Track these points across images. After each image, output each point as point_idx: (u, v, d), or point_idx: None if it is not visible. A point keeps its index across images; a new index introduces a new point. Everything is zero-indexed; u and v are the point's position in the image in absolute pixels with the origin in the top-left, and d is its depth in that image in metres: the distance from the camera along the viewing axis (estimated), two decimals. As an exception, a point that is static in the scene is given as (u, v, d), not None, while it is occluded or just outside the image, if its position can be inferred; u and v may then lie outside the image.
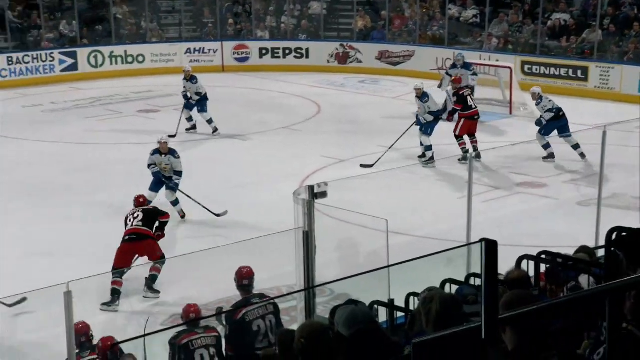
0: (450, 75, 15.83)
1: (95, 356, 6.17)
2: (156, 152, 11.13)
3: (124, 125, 16.07)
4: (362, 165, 12.79)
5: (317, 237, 6.07)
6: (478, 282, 5.72)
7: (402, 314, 5.71)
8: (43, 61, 20.26)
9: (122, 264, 8.41)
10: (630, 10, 18.43)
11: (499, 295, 2.71)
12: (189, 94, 15.09)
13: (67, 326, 4.68)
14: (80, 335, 6.27)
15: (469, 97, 13.57)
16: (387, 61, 21.16)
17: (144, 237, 8.67)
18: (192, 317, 6.45)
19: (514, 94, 16.65)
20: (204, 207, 10.72)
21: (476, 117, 13.49)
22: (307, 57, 21.90)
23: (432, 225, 10.40)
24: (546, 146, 13.09)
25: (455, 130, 13.27)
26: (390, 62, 21.11)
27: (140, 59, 21.39)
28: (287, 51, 21.99)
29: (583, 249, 6.07)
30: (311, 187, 6.07)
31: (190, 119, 15.27)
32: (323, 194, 6.08)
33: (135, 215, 8.95)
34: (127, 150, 14.37)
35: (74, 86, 19.78)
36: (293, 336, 3.93)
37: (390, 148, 13.21)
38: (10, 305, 7.60)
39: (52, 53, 20.38)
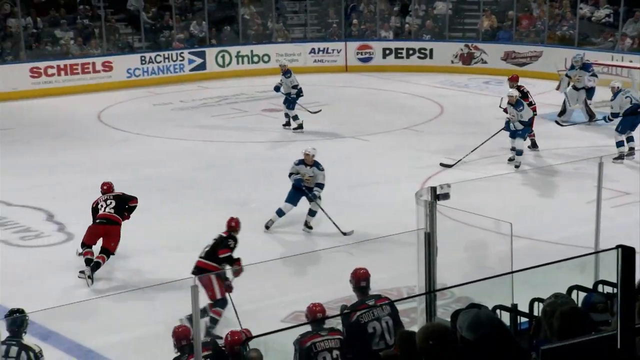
0: (570, 77, 15.41)
1: (208, 352, 6.11)
2: (300, 162, 10.85)
3: (249, 124, 16.39)
4: (442, 165, 12.83)
5: (439, 239, 6.01)
6: (607, 289, 5.52)
7: (526, 319, 5.57)
8: (173, 61, 20.92)
9: (90, 241, 9.44)
10: None
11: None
12: (282, 90, 15.40)
13: (193, 320, 4.80)
14: (181, 338, 6.28)
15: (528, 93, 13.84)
16: (513, 62, 20.74)
17: (113, 222, 9.54)
18: (318, 317, 6.35)
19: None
20: (334, 223, 10.54)
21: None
22: (431, 57, 21.73)
23: (557, 230, 10.12)
24: (619, 144, 12.87)
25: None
26: (516, 62, 20.69)
27: (266, 58, 21.77)
28: (411, 51, 21.88)
29: None
30: (433, 189, 6.01)
31: (295, 117, 15.52)
32: (445, 196, 6.01)
33: (108, 202, 9.70)
34: (251, 148, 14.67)
35: (202, 85, 20.33)
36: (414, 338, 3.90)
37: (473, 151, 12.92)
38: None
39: (182, 53, 21.02)
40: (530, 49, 20.57)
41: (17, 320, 5.99)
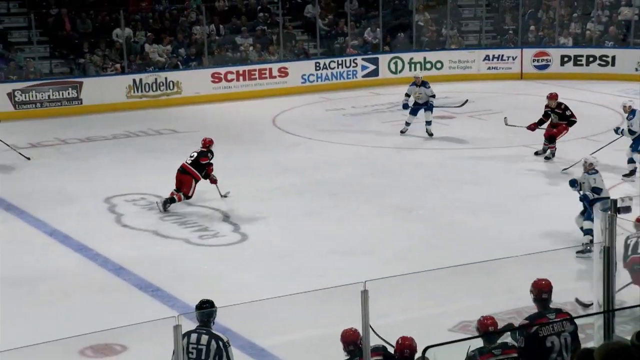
0: None
1: (378, 357, 6.07)
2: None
3: (419, 131, 16.33)
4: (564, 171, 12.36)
5: (618, 254, 5.76)
6: None
7: None
8: (347, 67, 21.20)
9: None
10: None
11: None
12: (419, 100, 15.54)
13: (363, 324, 4.83)
14: (349, 342, 6.23)
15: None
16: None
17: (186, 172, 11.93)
18: (490, 329, 6.17)
19: None
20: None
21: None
22: (613, 65, 20.83)
23: None
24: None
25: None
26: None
27: (439, 65, 21.63)
28: (591, 59, 21.08)
29: None
30: (614, 201, 5.77)
31: (429, 122, 15.65)
32: (627, 209, 5.76)
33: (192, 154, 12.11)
34: (422, 154, 14.64)
35: (374, 91, 20.48)
36: (593, 356, 3.73)
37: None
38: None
39: (355, 59, 21.26)
40: None
41: (207, 311, 6.27)
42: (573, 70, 21.06)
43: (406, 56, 21.55)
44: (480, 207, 11.64)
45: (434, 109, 15.66)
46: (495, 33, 22.77)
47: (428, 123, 15.58)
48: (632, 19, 21.12)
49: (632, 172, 13.04)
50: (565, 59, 21.26)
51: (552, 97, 14.18)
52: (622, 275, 6.90)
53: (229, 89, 20.14)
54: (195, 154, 12.07)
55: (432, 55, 21.65)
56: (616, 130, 13.36)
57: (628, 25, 21.21)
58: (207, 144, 12.18)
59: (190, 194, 11.95)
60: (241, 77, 20.31)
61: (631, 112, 13.31)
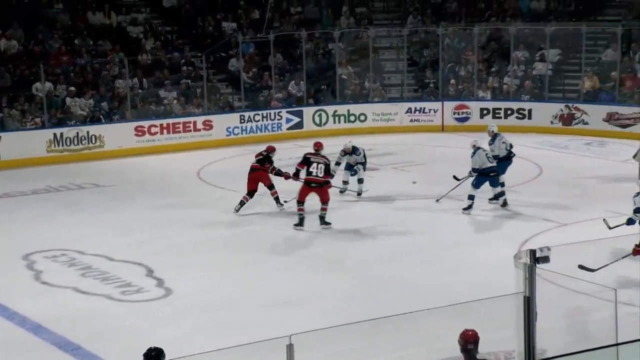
0: None
1: None
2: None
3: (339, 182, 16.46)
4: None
5: (538, 303, 5.86)
6: None
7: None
8: (272, 119, 21.31)
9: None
10: None
11: None
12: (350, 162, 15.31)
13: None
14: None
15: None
16: (616, 123, 20.28)
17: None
18: None
19: None
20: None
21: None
22: (530, 117, 21.46)
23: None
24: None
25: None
26: (619, 124, 20.21)
27: (362, 117, 21.94)
28: (509, 111, 21.68)
29: None
30: (533, 251, 5.90)
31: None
32: (545, 259, 5.88)
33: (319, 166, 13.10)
34: (350, 206, 14.72)
35: (298, 143, 20.54)
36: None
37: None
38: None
39: (280, 112, 21.40)
40: (634, 110, 20.08)
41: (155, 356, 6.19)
42: (491, 123, 21.56)
43: (330, 109, 21.81)
44: (408, 258, 11.76)
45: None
46: (416, 86, 23.26)
47: (360, 181, 15.23)
48: (545, 74, 21.87)
49: (498, 196, 14.08)
50: (485, 111, 21.81)
51: None
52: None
53: (152, 142, 20.00)
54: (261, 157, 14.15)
55: (356, 108, 21.96)
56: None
57: (542, 80, 21.95)
58: (269, 150, 14.30)
59: (270, 183, 14.07)
60: (165, 130, 20.20)
61: (492, 138, 14.53)
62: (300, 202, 13.19)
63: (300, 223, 13.16)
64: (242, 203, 14.03)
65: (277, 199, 14.18)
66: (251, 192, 14.08)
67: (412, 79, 23.34)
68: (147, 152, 19.60)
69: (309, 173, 13.18)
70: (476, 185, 13.93)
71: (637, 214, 10.78)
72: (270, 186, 14.15)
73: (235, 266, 11.61)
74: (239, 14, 23.83)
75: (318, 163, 13.20)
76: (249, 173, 14.13)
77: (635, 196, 10.95)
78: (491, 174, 13.91)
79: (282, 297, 10.33)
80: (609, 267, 9.76)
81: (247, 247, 12.50)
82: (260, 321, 9.43)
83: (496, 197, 14.15)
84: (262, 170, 14.11)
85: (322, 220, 13.18)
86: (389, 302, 9.84)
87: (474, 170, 13.90)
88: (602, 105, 20.65)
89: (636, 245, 10.47)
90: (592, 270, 9.23)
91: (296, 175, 13.63)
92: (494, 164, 14.00)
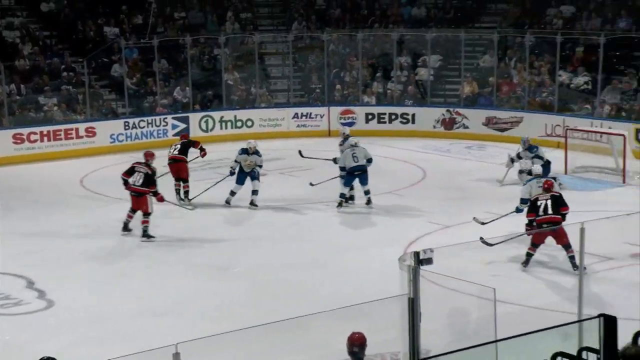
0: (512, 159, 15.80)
1: None
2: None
3: (229, 188, 16.39)
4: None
5: (422, 304, 5.99)
6: (592, 356, 5.49)
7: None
8: (157, 126, 21.00)
9: None
10: None
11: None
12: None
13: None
14: None
15: None
16: (494, 127, 20.98)
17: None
18: None
19: (627, 163, 16.17)
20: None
21: None
22: (413, 122, 21.94)
23: (543, 296, 10.10)
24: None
25: None
26: (497, 128, 20.92)
27: (249, 123, 21.91)
28: (393, 116, 22.10)
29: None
30: (416, 254, 6.03)
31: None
32: (428, 261, 6.02)
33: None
34: (237, 212, 14.65)
35: (185, 150, 20.34)
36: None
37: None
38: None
39: (165, 118, 21.12)
40: (511, 114, 20.82)
41: None
42: (377, 127, 21.98)
43: (217, 114, 21.68)
44: (297, 262, 11.82)
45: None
46: (303, 92, 23.41)
47: (255, 192, 14.91)
48: (427, 79, 22.42)
49: (346, 200, 14.63)
50: (370, 116, 22.16)
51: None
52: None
53: (32, 150, 19.37)
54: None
55: (243, 114, 21.91)
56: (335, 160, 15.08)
57: (424, 85, 22.48)
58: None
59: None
60: (45, 138, 19.60)
61: (344, 139, 15.31)
62: (132, 210, 13.18)
63: (125, 228, 13.19)
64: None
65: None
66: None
67: (298, 84, 23.47)
68: (26, 160, 18.97)
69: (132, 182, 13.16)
70: (345, 183, 14.54)
71: (522, 204, 11.99)
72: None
73: (119, 276, 11.39)
74: (121, 19, 23.39)
75: (139, 172, 13.16)
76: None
77: (524, 184, 12.41)
78: (355, 173, 14.44)
79: (169, 305, 10.20)
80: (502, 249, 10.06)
81: (132, 256, 12.28)
82: (146, 330, 9.27)
83: (365, 193, 14.63)
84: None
85: (144, 233, 12.93)
86: (278, 307, 9.85)
87: (341, 169, 14.61)
88: (481, 110, 21.32)
89: (527, 225, 11.57)
90: (490, 245, 10.37)
91: (125, 184, 13.27)
92: (360, 163, 14.49)
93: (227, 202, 14.90)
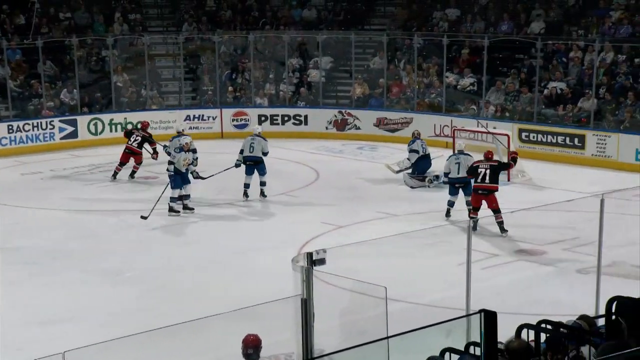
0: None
1: None
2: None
3: (123, 192, 16.11)
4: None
5: (316, 305, 6.03)
6: (477, 351, 5.66)
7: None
8: (43, 129, 20.40)
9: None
10: (626, 80, 18.65)
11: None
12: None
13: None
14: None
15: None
16: (385, 128, 21.33)
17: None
18: None
19: (512, 161, 16.71)
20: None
21: None
22: (306, 123, 22.08)
23: (432, 292, 10.34)
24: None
25: None
26: (388, 128, 21.28)
27: (140, 126, 21.51)
28: (286, 118, 22.18)
29: (583, 317, 6.02)
30: (309, 254, 6.06)
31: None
32: (321, 261, 6.06)
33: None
34: (125, 217, 14.38)
35: (73, 153, 19.88)
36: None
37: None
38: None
39: (52, 121, 20.53)
40: (401, 115, 21.21)
41: None
42: (270, 129, 21.95)
43: (106, 117, 21.23)
44: (188, 266, 11.71)
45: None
46: (194, 94, 23.19)
47: (262, 184, 15.35)
48: (319, 81, 22.60)
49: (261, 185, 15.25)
50: (262, 118, 22.16)
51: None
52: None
53: None
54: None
55: (133, 116, 21.50)
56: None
57: (316, 87, 22.66)
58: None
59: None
60: None
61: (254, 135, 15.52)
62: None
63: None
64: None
65: None
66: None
67: (189, 86, 23.25)
68: None
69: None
70: (246, 172, 15.26)
71: (445, 176, 14.06)
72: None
73: (6, 283, 10.99)
74: (2, 19, 22.59)
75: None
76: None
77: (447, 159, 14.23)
78: (247, 163, 15.17)
79: (58, 313, 9.93)
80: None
81: (20, 262, 11.88)
82: (35, 339, 9.00)
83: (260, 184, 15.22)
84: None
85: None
86: (172, 311, 9.73)
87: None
88: (372, 111, 21.65)
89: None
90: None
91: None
92: (254, 154, 15.15)
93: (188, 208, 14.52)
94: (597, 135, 18.00)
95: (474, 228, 11.99)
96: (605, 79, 18.82)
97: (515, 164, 14.28)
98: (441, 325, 4.46)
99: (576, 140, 18.34)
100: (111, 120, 21.26)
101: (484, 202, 12.88)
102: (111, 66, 21.97)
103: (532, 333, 5.74)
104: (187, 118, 21.90)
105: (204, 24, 24.41)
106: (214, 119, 22.05)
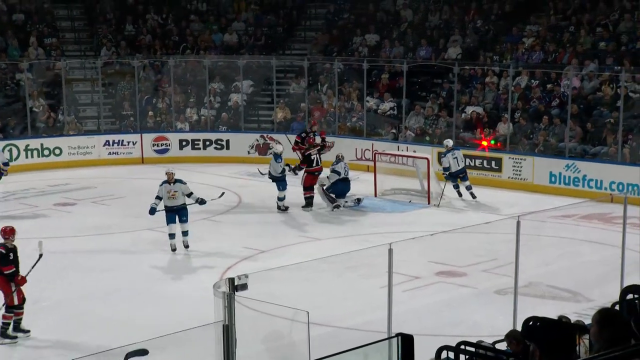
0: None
1: None
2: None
3: (40, 220, 15.75)
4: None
5: (238, 331, 5.99)
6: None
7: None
8: (-44, 154, 19.79)
9: None
10: (540, 104, 19.20)
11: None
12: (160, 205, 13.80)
13: None
14: None
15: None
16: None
17: None
18: None
19: (432, 184, 17.00)
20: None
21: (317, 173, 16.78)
22: (228, 148, 22.00)
23: (355, 316, 10.39)
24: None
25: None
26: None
27: (57, 151, 21.12)
28: (208, 142, 22.07)
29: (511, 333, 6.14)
30: (231, 280, 6.02)
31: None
32: (243, 286, 6.02)
33: None
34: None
35: (-13, 179, 19.31)
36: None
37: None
38: None
39: (-35, 146, 19.95)
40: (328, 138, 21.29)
41: None
42: (191, 153, 21.87)
43: (21, 143, 20.73)
44: (109, 294, 11.48)
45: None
46: (114, 118, 22.88)
47: (184, 233, 13.78)
48: (241, 105, 22.58)
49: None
50: (184, 142, 22.00)
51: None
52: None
53: None
54: None
55: (50, 142, 21.09)
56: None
57: (238, 111, 22.62)
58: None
59: None
60: None
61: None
62: None
63: None
64: None
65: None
66: None
67: (108, 111, 22.93)
68: None
69: None
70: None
71: (445, 171, 16.38)
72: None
73: None
74: None
75: None
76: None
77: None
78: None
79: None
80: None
81: None
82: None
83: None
84: None
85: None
86: (90, 340, 9.54)
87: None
88: (293, 135, 21.61)
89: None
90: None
91: None
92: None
93: (173, 250, 13.56)
94: (513, 158, 18.45)
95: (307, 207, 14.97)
96: (520, 104, 19.33)
97: None
98: (361, 349, 4.49)
99: (493, 163, 18.75)
100: (27, 146, 20.79)
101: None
102: (26, 91, 21.50)
103: (452, 354, 5.82)
104: (107, 143, 21.59)
105: (123, 49, 24.16)
106: (134, 144, 21.77)
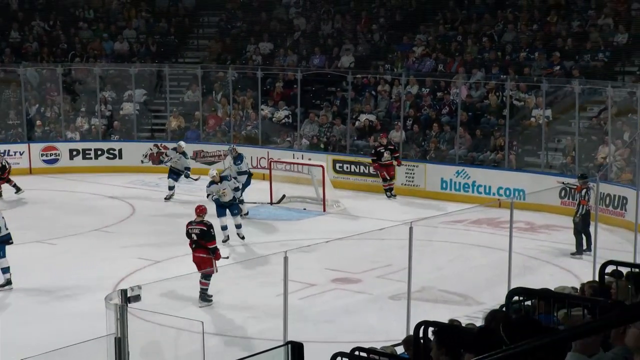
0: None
1: None
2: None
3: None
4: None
5: (131, 343, 5.89)
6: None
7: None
8: None
9: None
10: (431, 112, 19.64)
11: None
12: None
13: None
14: None
15: None
16: (202, 160, 21.23)
17: None
18: None
19: (327, 192, 17.14)
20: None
21: None
22: (121, 157, 21.59)
23: (251, 325, 10.36)
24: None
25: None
26: (205, 161, 21.19)
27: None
28: (99, 152, 21.60)
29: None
30: (124, 291, 5.93)
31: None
32: (137, 298, 5.94)
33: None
34: None
35: None
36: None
37: None
38: None
39: None
40: (218, 147, 21.20)
41: None
42: (82, 163, 21.34)
43: None
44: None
45: None
46: (0, 128, 22.10)
47: (238, 227, 14.61)
48: (133, 113, 22.21)
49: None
50: (74, 152, 21.46)
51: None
52: None
53: None
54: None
55: None
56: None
57: (130, 120, 22.23)
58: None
59: None
60: None
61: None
62: None
63: None
64: None
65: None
66: None
67: (-6, 120, 22.14)
68: None
69: None
70: None
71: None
72: None
73: None
74: None
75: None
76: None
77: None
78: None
79: None
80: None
81: None
82: None
83: None
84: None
85: None
86: None
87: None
88: (189, 144, 21.40)
89: None
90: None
91: None
92: None
93: (224, 241, 14.14)
94: (405, 165, 18.79)
95: None
96: (412, 112, 19.73)
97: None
98: (253, 358, 4.48)
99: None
100: None
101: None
102: None
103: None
104: (-5, 153, 20.81)
105: (8, 56, 23.39)
106: (21, 154, 21.09)
